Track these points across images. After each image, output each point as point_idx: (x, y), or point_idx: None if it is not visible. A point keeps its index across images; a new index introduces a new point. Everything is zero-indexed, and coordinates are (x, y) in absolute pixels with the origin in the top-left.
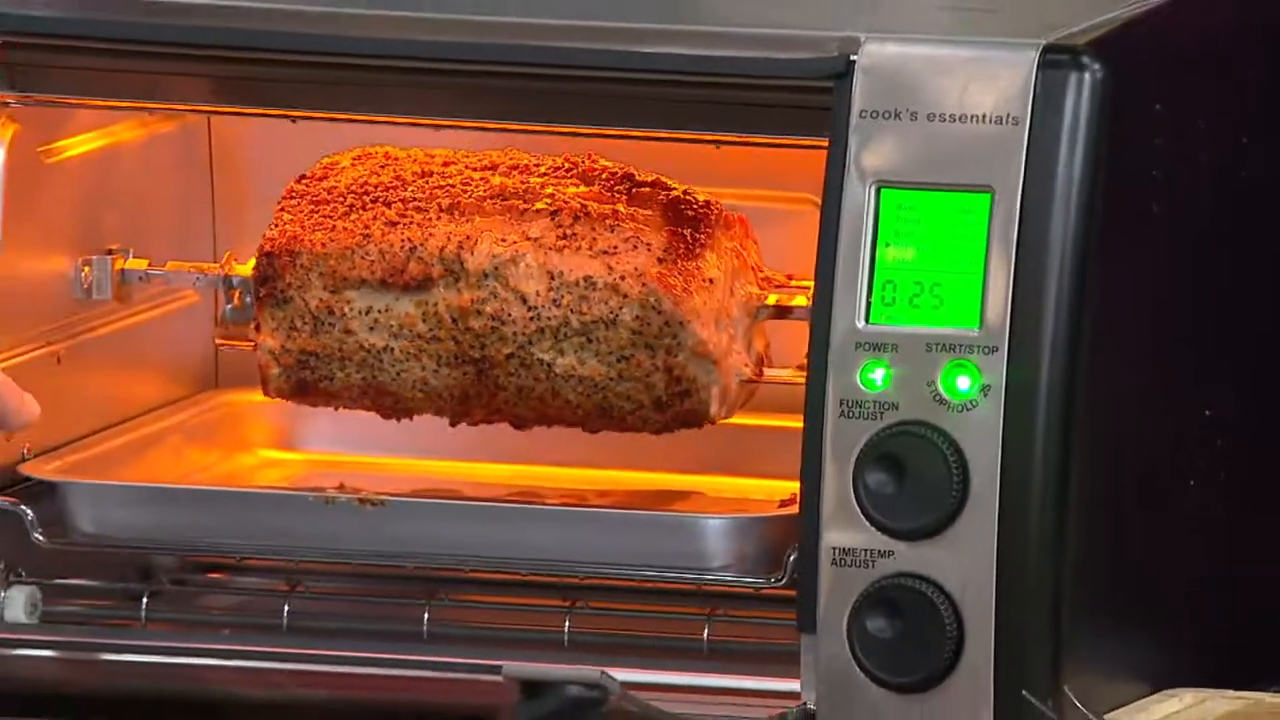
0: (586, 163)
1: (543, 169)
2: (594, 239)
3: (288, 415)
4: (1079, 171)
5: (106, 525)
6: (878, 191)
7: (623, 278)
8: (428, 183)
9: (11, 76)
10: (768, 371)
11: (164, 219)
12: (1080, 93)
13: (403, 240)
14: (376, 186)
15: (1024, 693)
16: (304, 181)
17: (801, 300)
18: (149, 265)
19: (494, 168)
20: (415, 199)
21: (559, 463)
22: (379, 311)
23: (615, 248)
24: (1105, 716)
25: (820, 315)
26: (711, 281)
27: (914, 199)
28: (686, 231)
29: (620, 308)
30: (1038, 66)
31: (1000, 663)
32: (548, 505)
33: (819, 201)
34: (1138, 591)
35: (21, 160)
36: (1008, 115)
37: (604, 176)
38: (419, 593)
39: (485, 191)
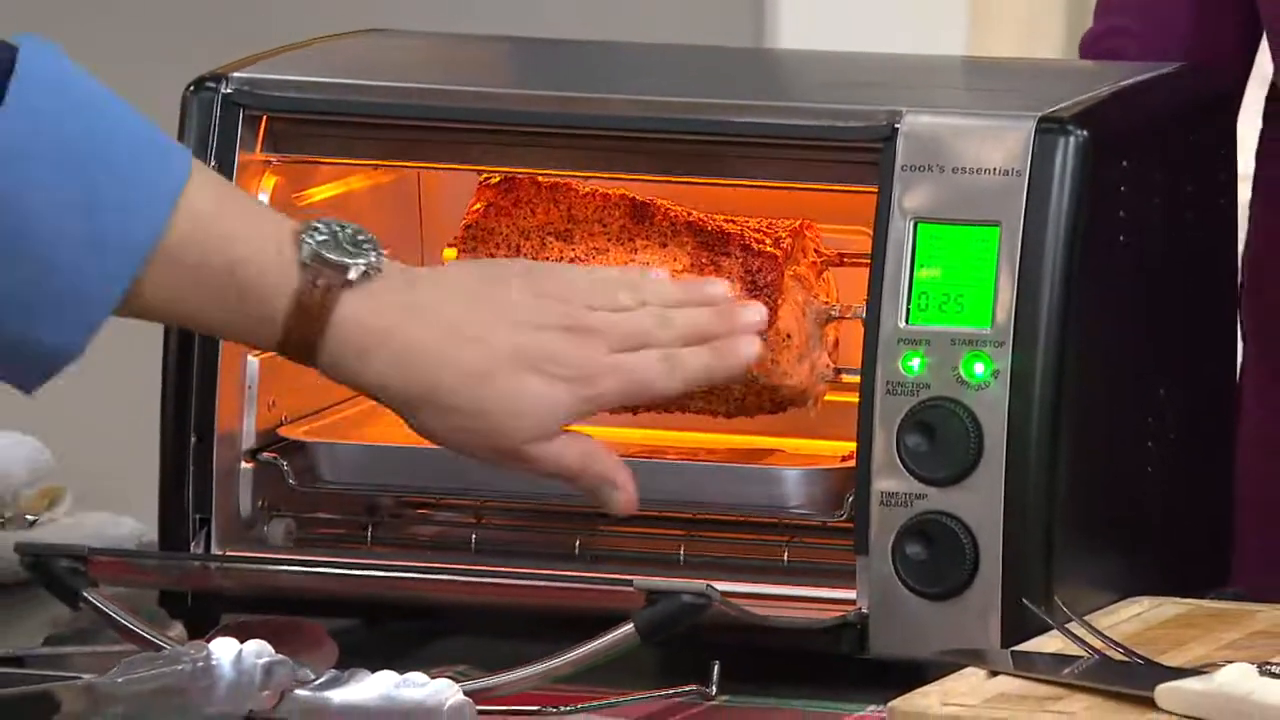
0: (681, 222)
1: (642, 236)
2: None
3: None
4: (1065, 211)
5: (341, 474)
6: (915, 226)
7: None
8: (568, 258)
9: (273, 141)
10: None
11: (384, 246)
12: (1067, 152)
13: None
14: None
15: (1024, 600)
16: (469, 236)
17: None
18: None
19: (605, 227)
20: None
21: (678, 428)
22: None
23: None
24: (1085, 617)
25: (872, 318)
26: (790, 336)
27: (942, 231)
28: (763, 299)
29: (728, 384)
30: (1035, 132)
31: (1006, 578)
32: (669, 460)
33: (870, 232)
34: (1110, 524)
35: (280, 204)
36: (1012, 169)
37: (690, 247)
38: (572, 525)
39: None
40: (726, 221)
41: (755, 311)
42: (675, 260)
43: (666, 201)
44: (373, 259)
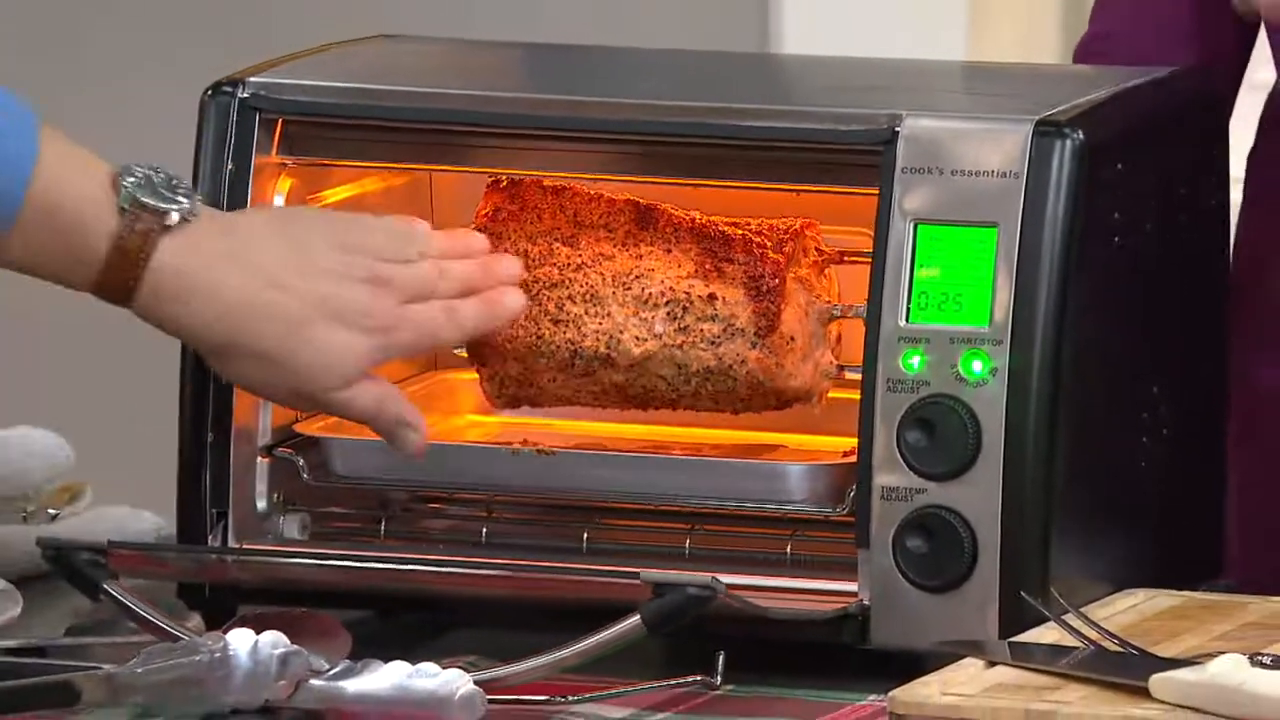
0: (685, 227)
1: (647, 241)
2: (702, 329)
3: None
4: (1062, 212)
5: (355, 469)
6: (915, 227)
7: (730, 366)
8: (574, 264)
9: (289, 144)
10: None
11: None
12: (1063, 154)
13: (566, 341)
14: (540, 280)
15: (1021, 592)
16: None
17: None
18: None
19: (611, 231)
20: (569, 293)
21: (682, 424)
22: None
23: (718, 338)
24: (1080, 609)
25: (873, 317)
26: (793, 339)
27: (941, 232)
28: (766, 305)
29: (733, 385)
30: (1032, 135)
31: (1004, 571)
32: (674, 455)
33: (871, 233)
34: (1105, 518)
35: (296, 205)
36: (1010, 171)
37: (694, 253)
38: (579, 519)
39: (615, 278)
40: (729, 225)
41: (511, 264)
42: (679, 265)
43: (670, 206)
44: (188, 204)
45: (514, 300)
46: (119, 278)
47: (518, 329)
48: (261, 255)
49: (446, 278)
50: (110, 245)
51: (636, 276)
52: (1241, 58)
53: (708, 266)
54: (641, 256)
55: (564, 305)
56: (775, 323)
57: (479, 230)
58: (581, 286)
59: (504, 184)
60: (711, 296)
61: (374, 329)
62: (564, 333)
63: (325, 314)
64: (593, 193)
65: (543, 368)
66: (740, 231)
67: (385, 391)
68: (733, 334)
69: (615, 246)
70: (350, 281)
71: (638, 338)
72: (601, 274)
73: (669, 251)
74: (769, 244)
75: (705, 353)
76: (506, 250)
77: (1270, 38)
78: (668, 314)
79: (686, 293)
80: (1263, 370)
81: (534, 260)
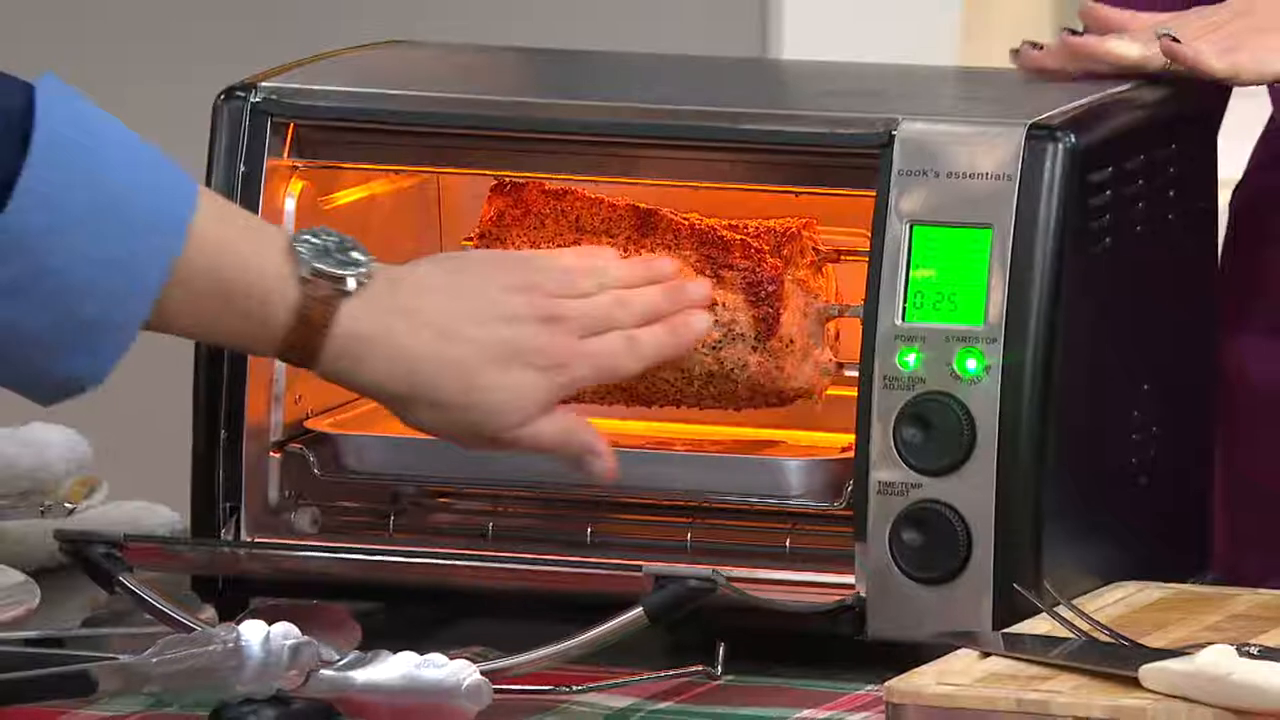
0: (685, 233)
1: (648, 247)
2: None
3: None
4: (1054, 214)
5: (364, 464)
6: (911, 228)
7: (731, 370)
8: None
9: (300, 147)
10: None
11: (405, 248)
12: (1055, 158)
13: None
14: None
15: (1014, 585)
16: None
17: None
18: None
19: (613, 237)
20: None
21: (683, 420)
22: None
23: (719, 342)
24: (1072, 601)
25: (870, 315)
26: (792, 341)
27: (936, 233)
28: (765, 310)
29: (734, 387)
30: (1025, 139)
31: (997, 563)
32: (676, 451)
33: (868, 234)
34: (1095, 512)
35: (306, 207)
36: (1004, 173)
37: (694, 259)
38: (584, 514)
39: None
40: (728, 228)
41: (699, 287)
42: (679, 270)
43: (669, 210)
44: (363, 268)
45: (700, 323)
46: (303, 344)
47: None
48: (433, 308)
49: (626, 307)
50: (294, 315)
51: None
52: None
53: (707, 272)
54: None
55: None
56: (774, 327)
57: (483, 235)
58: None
59: (507, 187)
60: (712, 303)
61: (550, 367)
62: None
63: (500, 359)
64: (594, 197)
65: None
66: (738, 236)
67: (569, 424)
68: (733, 338)
69: (617, 252)
70: (523, 323)
71: None
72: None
73: (670, 255)
74: (767, 248)
75: (707, 357)
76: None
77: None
78: None
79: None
80: (1249, 366)
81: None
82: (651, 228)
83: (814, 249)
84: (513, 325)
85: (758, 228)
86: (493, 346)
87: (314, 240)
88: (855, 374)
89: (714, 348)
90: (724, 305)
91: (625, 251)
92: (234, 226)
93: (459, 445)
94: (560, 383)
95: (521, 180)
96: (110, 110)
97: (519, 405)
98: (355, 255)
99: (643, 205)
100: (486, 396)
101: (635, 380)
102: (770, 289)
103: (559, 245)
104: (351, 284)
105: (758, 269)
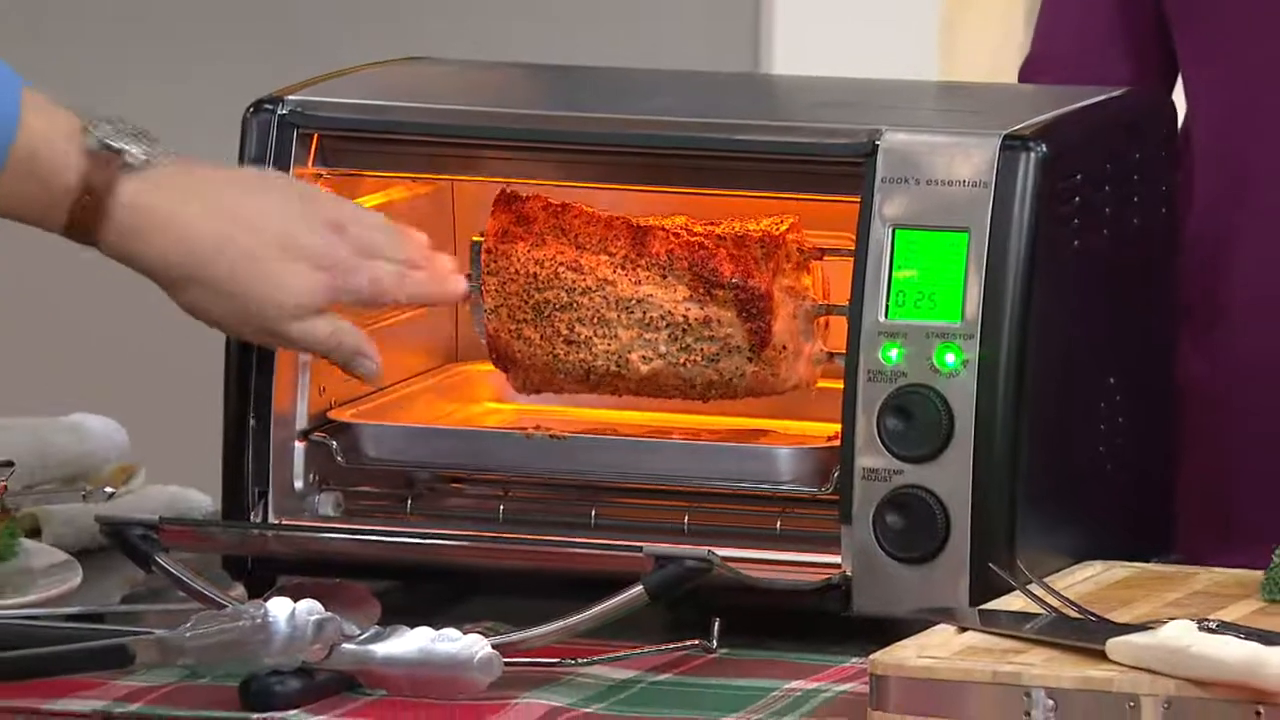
0: (677, 254)
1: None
2: (702, 349)
3: (502, 381)
4: (1026, 219)
5: (384, 452)
6: (893, 232)
7: (730, 379)
8: (580, 289)
9: (323, 155)
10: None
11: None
12: (1028, 166)
13: (580, 360)
14: (550, 302)
15: (990, 564)
16: (494, 247)
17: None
18: None
19: (610, 255)
20: (578, 316)
21: (681, 410)
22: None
23: (717, 355)
24: (1044, 579)
25: (855, 313)
26: (785, 347)
27: (917, 236)
28: (758, 324)
29: (734, 392)
30: (1000, 148)
31: (974, 545)
32: (674, 440)
33: (853, 237)
34: (1066, 496)
35: None
36: (980, 181)
37: (688, 278)
38: (588, 498)
39: (618, 303)
40: (712, 239)
41: (458, 281)
42: (674, 290)
43: (661, 222)
44: (152, 149)
45: (459, 284)
46: (86, 217)
47: (535, 348)
48: (222, 195)
49: (398, 247)
50: (78, 185)
51: (638, 301)
52: (1169, 78)
53: (701, 291)
54: (640, 282)
55: (574, 327)
56: (767, 338)
57: (488, 252)
58: (589, 310)
59: (510, 203)
60: (707, 320)
61: (329, 269)
62: (577, 353)
63: (281, 250)
64: (590, 213)
65: (561, 381)
66: (727, 248)
67: (341, 325)
68: (730, 351)
69: (615, 270)
70: (310, 224)
71: (644, 357)
72: (605, 298)
73: (664, 277)
74: (755, 256)
75: (707, 369)
76: (516, 272)
77: (1184, 70)
78: (669, 335)
79: (684, 316)
80: (1191, 363)
81: (543, 283)
82: (645, 247)
83: (799, 249)
84: (299, 224)
85: (742, 229)
86: (277, 239)
87: (110, 123)
88: (844, 363)
89: (712, 360)
90: (719, 321)
91: (625, 271)
92: (48, 114)
93: (232, 334)
94: (336, 286)
95: (523, 194)
96: (149, 118)
97: (295, 299)
98: (148, 140)
99: (635, 220)
100: (264, 285)
101: (644, 386)
102: (761, 305)
103: (560, 260)
104: (137, 157)
105: (747, 284)
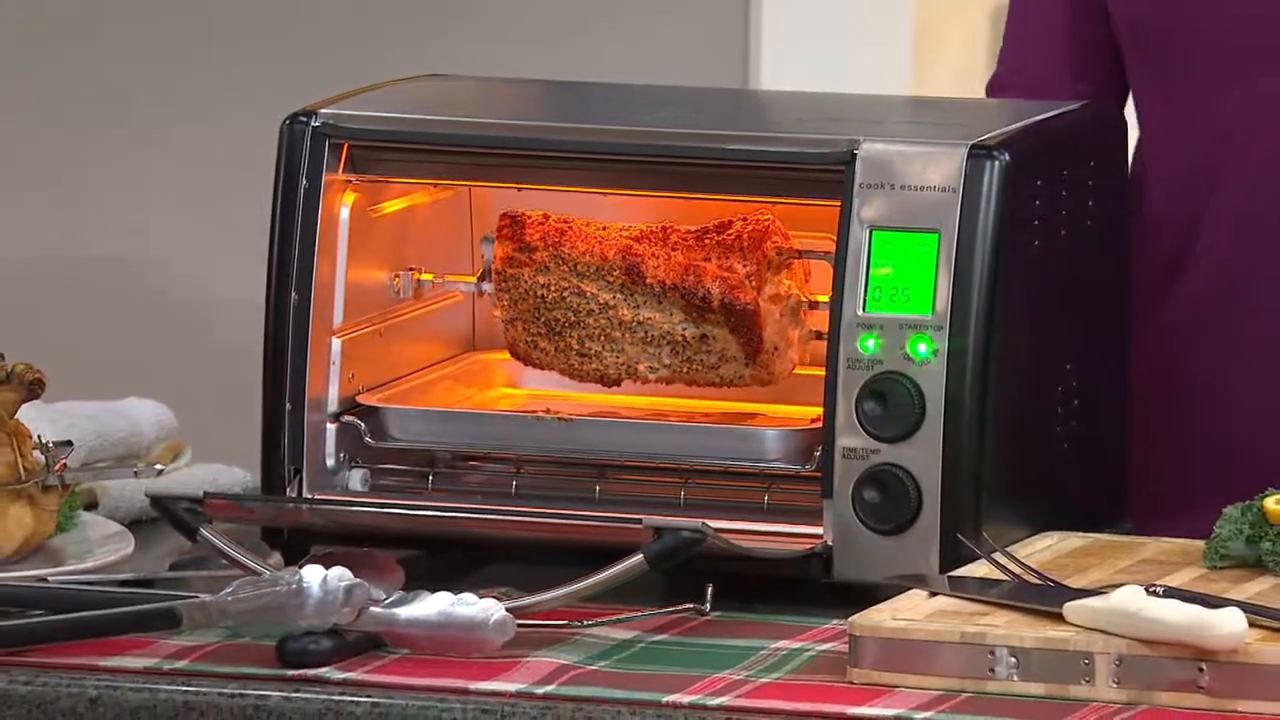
0: (670, 284)
1: (640, 293)
2: (702, 360)
3: (516, 368)
4: (991, 221)
5: (408, 433)
6: (870, 233)
7: (731, 381)
8: (585, 310)
9: (352, 164)
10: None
11: (442, 250)
12: (992, 173)
13: (593, 369)
14: (560, 320)
15: (958, 535)
16: (507, 257)
17: (823, 298)
18: (434, 277)
19: (609, 282)
20: (586, 333)
21: (677, 395)
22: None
23: (717, 364)
24: (1007, 548)
25: (835, 306)
26: (775, 348)
27: (892, 237)
28: (750, 336)
29: (737, 388)
30: (967, 157)
31: (943, 517)
32: (672, 422)
33: (834, 238)
34: (1027, 472)
35: (357, 215)
36: (949, 186)
37: (681, 304)
38: (592, 475)
39: (621, 324)
40: (700, 253)
41: None
42: (671, 314)
43: (651, 250)
44: None
45: None
46: None
47: (551, 358)
48: None
49: None
50: None
51: (639, 323)
52: (1120, 96)
53: (694, 315)
54: (639, 307)
55: (585, 343)
56: (760, 346)
57: (498, 273)
58: (596, 329)
59: (512, 228)
60: (703, 337)
61: None
62: (590, 364)
63: None
64: (589, 234)
65: (578, 383)
66: (713, 268)
67: None
68: (727, 360)
69: (614, 295)
70: None
71: (651, 368)
72: (609, 319)
73: (660, 302)
74: (739, 276)
75: (710, 374)
76: (525, 292)
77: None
78: (671, 350)
79: (683, 335)
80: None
81: (550, 303)
82: (639, 277)
83: (777, 250)
84: None
85: (725, 237)
86: None
87: None
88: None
89: (713, 367)
90: (714, 338)
91: (624, 296)
92: None
93: None
94: None
95: (524, 218)
96: (192, 132)
97: None
98: None
99: (629, 248)
100: None
101: (655, 391)
102: (750, 321)
103: (564, 286)
104: None
105: (735, 305)
